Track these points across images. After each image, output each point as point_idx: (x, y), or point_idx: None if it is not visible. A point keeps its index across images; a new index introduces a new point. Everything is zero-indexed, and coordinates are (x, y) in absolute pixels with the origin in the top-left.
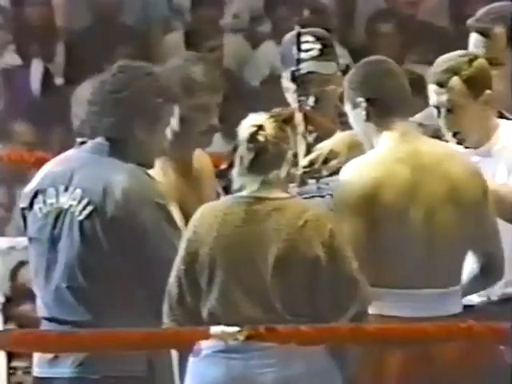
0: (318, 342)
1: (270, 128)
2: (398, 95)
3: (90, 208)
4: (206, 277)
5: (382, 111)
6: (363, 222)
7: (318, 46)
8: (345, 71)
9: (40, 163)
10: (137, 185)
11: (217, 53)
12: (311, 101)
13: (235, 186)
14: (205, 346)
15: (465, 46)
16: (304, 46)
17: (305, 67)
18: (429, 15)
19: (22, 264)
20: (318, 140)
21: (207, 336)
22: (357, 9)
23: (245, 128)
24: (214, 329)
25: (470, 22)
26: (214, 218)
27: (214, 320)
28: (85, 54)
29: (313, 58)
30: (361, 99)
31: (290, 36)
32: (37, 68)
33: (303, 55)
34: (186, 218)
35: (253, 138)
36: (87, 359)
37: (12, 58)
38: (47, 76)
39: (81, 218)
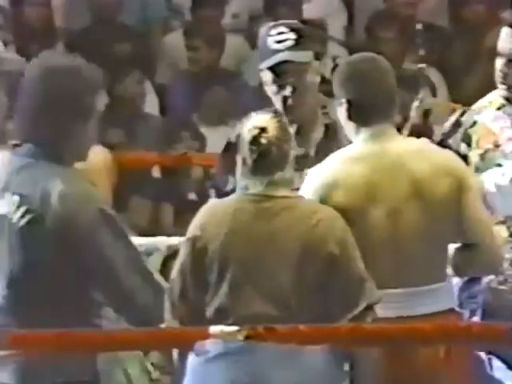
0: (317, 342)
1: (272, 129)
2: (378, 97)
3: (28, 216)
4: (215, 272)
5: (361, 112)
6: None
7: (292, 36)
8: (333, 68)
9: None
10: (75, 190)
11: (217, 51)
12: (288, 91)
13: (240, 185)
14: (209, 347)
15: (464, 46)
16: (278, 38)
17: (279, 57)
18: (428, 15)
19: None
20: (300, 131)
21: (206, 336)
22: (356, 9)
23: (247, 130)
24: (213, 328)
25: (505, 15)
26: (224, 215)
27: (223, 316)
28: (84, 54)
29: (288, 48)
30: (342, 99)
31: (264, 29)
32: None
33: (278, 46)
34: None
35: (256, 140)
36: (32, 364)
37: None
38: None
39: (19, 225)
